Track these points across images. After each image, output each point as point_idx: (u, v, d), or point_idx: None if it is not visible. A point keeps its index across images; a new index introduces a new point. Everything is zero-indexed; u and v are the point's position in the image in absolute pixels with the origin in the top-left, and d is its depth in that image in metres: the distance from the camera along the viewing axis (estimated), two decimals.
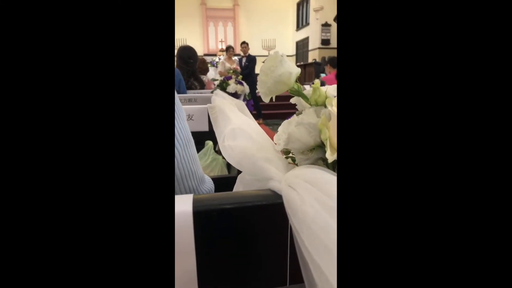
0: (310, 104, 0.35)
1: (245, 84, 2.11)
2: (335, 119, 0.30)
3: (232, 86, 2.00)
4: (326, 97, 0.34)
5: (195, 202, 0.28)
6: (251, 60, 4.87)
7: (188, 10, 8.40)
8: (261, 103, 4.99)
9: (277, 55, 0.33)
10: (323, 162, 0.35)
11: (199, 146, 1.33)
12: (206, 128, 1.30)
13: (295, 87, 0.36)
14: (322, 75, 4.66)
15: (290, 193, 0.28)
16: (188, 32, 8.20)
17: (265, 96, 0.35)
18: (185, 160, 0.42)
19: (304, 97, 0.36)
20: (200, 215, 0.27)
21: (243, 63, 4.90)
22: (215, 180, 0.60)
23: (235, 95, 2.01)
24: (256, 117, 5.30)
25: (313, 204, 0.25)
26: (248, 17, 9.13)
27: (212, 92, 1.99)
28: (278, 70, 0.33)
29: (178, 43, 7.90)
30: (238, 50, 9.37)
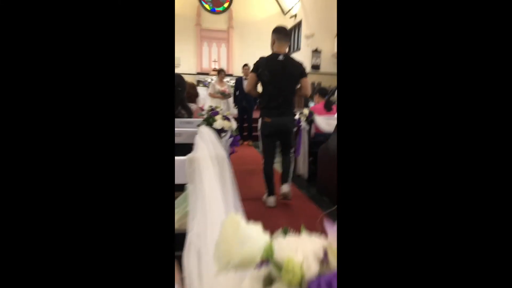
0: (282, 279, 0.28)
1: (232, 119, 2.05)
2: None
3: (219, 122, 1.93)
4: (302, 276, 0.27)
5: None
6: None
7: (183, 30, 8.45)
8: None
9: (238, 231, 0.26)
10: None
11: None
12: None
13: (265, 253, 0.28)
14: (311, 104, 4.63)
15: None
16: (182, 51, 8.21)
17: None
18: None
19: (277, 269, 0.28)
20: None
21: (244, 85, 4.99)
22: None
23: (221, 131, 1.94)
24: (246, 138, 5.26)
25: None
26: (241, 39, 9.24)
27: (198, 126, 1.91)
28: (238, 254, 0.25)
29: None
30: (230, 70, 9.48)
